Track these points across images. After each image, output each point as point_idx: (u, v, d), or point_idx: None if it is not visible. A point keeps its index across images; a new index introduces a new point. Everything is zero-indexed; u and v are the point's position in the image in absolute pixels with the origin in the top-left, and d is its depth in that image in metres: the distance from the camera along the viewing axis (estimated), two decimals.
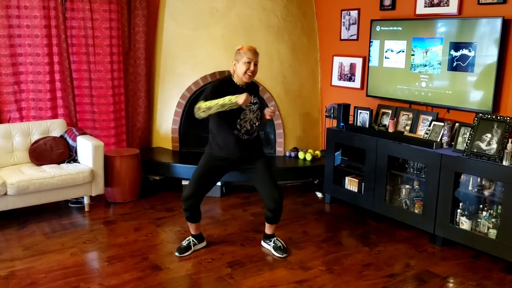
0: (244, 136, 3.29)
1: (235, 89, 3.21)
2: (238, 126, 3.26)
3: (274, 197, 3.35)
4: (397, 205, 4.07)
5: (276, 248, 3.52)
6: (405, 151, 3.90)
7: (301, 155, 5.08)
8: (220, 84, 3.27)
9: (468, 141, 3.53)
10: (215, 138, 3.35)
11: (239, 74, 3.22)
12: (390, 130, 4.18)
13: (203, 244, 3.61)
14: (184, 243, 3.54)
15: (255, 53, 3.22)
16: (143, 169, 4.81)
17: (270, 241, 3.59)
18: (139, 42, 5.12)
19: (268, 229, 3.61)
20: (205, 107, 3.10)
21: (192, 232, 3.57)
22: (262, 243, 3.66)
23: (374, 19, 4.49)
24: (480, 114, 3.58)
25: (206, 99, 3.14)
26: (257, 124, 3.35)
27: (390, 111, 4.39)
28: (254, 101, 3.33)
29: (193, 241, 3.54)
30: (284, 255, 3.47)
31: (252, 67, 3.19)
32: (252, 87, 3.36)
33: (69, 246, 3.59)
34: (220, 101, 3.06)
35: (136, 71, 5.20)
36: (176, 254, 3.47)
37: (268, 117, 3.37)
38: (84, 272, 3.20)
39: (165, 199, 4.70)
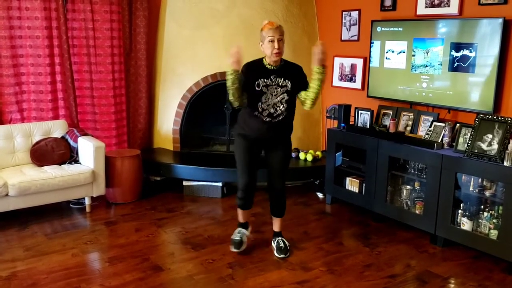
0: (266, 118, 3.23)
1: (263, 70, 3.15)
2: (259, 109, 3.21)
3: (274, 185, 3.42)
4: (398, 206, 4.07)
5: (278, 248, 3.52)
6: (406, 151, 3.90)
7: (302, 155, 5.08)
8: (248, 66, 3.20)
9: (469, 142, 3.53)
10: (240, 117, 3.36)
11: (268, 55, 3.15)
12: (391, 130, 4.18)
13: (249, 230, 3.64)
14: (237, 237, 3.53)
15: (277, 29, 3.12)
16: (144, 170, 4.81)
17: (275, 240, 3.59)
18: (140, 43, 5.13)
19: (274, 224, 3.61)
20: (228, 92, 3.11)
21: (241, 220, 3.59)
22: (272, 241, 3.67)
23: (375, 19, 4.49)
24: (481, 115, 3.58)
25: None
26: (284, 107, 3.24)
27: (391, 112, 4.39)
28: (282, 84, 3.20)
29: (243, 232, 3.56)
30: (283, 255, 3.47)
31: (276, 45, 3.09)
32: (285, 69, 3.22)
33: (70, 246, 3.60)
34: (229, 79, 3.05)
35: (137, 72, 5.20)
36: (233, 250, 3.49)
37: (317, 63, 3.11)
38: (85, 273, 3.21)
39: (166, 199, 4.70)
